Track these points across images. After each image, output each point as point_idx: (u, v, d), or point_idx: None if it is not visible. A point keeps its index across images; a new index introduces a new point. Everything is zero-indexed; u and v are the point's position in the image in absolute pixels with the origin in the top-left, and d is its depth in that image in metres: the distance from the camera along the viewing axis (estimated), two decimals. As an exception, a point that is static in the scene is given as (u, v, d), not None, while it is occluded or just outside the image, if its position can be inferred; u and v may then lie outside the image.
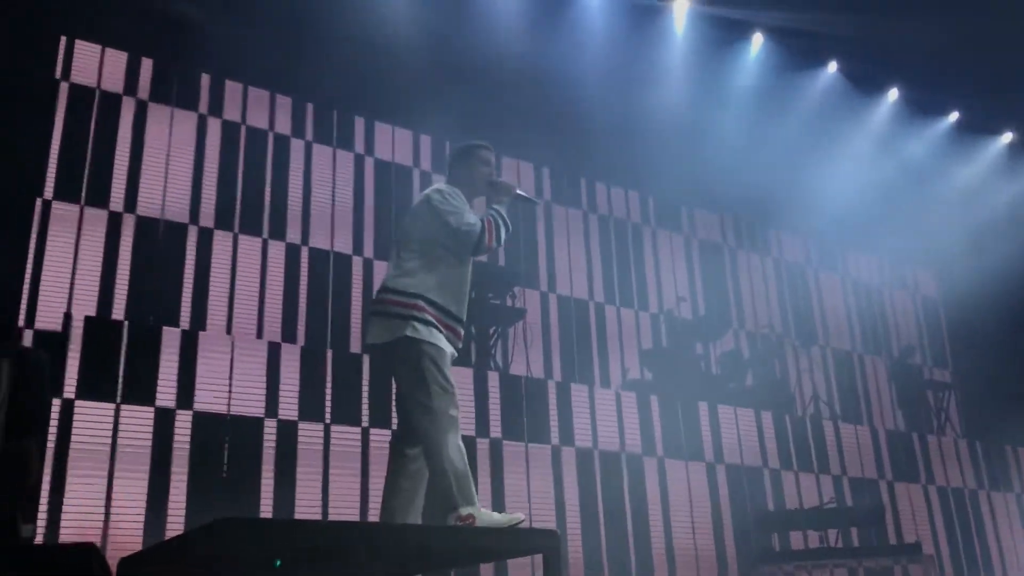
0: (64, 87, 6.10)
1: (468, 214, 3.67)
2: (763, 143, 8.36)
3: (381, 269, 6.59)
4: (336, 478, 5.67)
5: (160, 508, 5.09)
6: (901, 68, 8.74)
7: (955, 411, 9.51)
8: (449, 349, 3.56)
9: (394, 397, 3.74)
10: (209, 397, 5.42)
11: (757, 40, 8.41)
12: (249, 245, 6.31)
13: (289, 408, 5.65)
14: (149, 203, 5.97)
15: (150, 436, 5.17)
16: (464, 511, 3.30)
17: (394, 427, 5.88)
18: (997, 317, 9.25)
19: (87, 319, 5.28)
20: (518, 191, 3.88)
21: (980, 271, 9.31)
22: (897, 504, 8.43)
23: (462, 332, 3.68)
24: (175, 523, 5.06)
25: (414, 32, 6.80)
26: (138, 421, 5.19)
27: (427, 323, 3.51)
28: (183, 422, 5.31)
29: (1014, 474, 9.23)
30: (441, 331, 3.55)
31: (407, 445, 3.57)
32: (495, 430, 6.45)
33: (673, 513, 7.08)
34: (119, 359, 5.23)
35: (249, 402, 5.54)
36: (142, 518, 5.02)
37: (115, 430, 5.11)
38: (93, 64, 6.26)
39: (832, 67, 8.80)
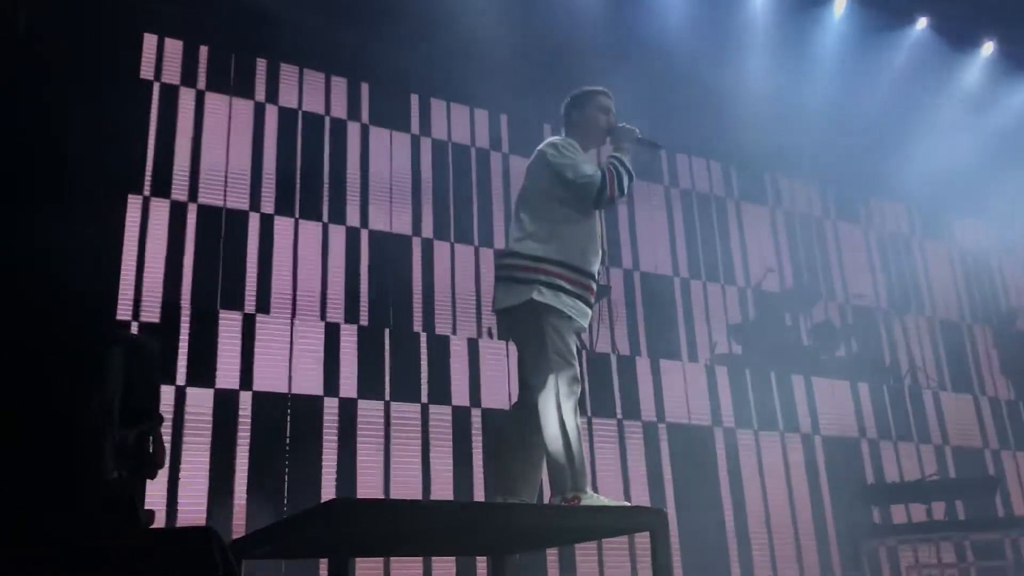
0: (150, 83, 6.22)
1: (585, 165, 3.47)
2: (853, 109, 8.09)
3: (440, 249, 6.56)
4: (396, 453, 5.82)
5: (224, 487, 5.30)
6: (995, 20, 8.35)
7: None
8: (576, 316, 3.39)
9: (517, 363, 3.62)
10: (271, 376, 5.64)
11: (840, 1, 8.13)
12: (310, 230, 6.33)
13: (349, 386, 5.86)
14: (211, 191, 6.03)
15: (211, 416, 5.44)
16: (571, 494, 3.19)
17: (454, 403, 6.05)
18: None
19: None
20: (640, 135, 3.63)
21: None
22: (1005, 475, 8.16)
23: (595, 287, 3.49)
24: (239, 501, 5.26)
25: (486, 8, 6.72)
26: (200, 401, 5.46)
27: (554, 287, 3.33)
28: (245, 402, 5.55)
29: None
30: (570, 292, 3.37)
31: (525, 415, 3.41)
32: (584, 409, 6.44)
33: (769, 487, 6.98)
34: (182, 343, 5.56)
35: (309, 381, 5.74)
36: (205, 497, 5.22)
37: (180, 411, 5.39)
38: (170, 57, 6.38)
39: (922, 23, 8.45)
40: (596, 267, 3.51)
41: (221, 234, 5.92)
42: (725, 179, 8.19)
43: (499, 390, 6.25)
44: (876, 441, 7.62)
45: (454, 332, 6.37)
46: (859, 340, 8.23)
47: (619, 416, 6.65)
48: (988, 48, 8.79)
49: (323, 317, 5.98)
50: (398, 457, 5.86)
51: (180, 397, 5.42)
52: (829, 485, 7.20)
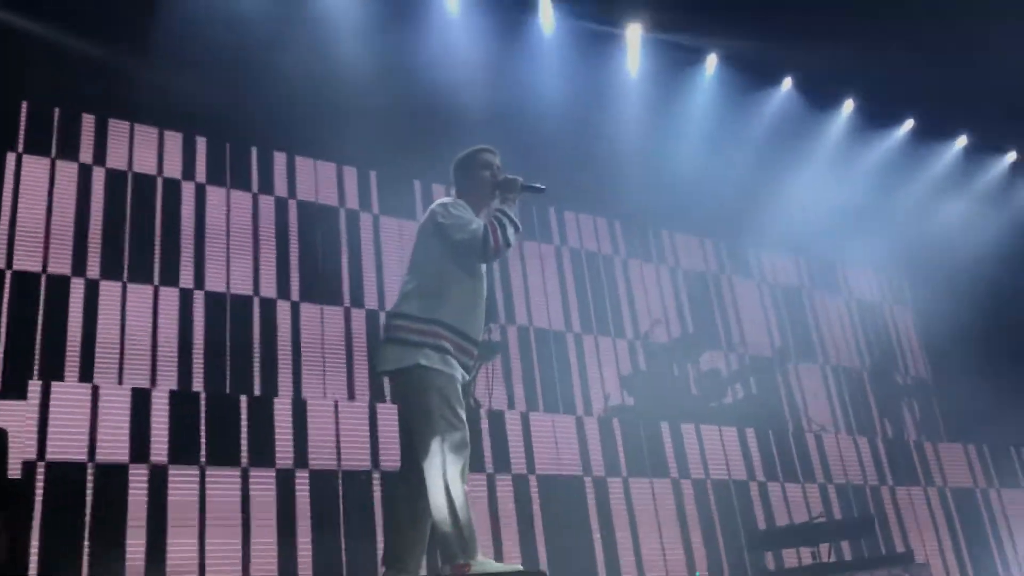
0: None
1: (471, 222, 3.48)
2: (725, 163, 8.44)
3: (308, 311, 6.50)
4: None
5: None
6: (854, 80, 8.88)
7: (937, 414, 9.58)
8: (461, 375, 3.41)
9: (399, 428, 3.60)
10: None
11: (711, 62, 8.52)
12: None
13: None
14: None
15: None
16: (461, 560, 3.16)
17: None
18: (970, 321, 9.32)
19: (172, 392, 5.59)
20: (523, 183, 3.64)
21: (949, 276, 9.41)
22: (901, 511, 8.47)
23: (475, 352, 3.53)
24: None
25: (362, 70, 6.79)
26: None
27: (441, 350, 3.35)
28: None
29: (994, 473, 9.32)
30: (455, 355, 3.39)
31: (413, 478, 3.37)
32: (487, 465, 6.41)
33: (666, 536, 7.03)
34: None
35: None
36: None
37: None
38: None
39: (787, 84, 8.93)
40: (480, 331, 3.55)
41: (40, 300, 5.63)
42: (611, 233, 8.36)
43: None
44: (764, 484, 7.79)
45: (324, 395, 6.26)
46: (758, 387, 8.48)
47: (515, 471, 6.63)
48: (849, 106, 9.34)
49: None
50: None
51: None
52: (724, 531, 7.31)
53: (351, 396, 6.33)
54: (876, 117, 9.34)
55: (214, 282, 6.22)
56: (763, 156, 8.71)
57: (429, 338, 3.35)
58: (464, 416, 3.34)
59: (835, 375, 9.20)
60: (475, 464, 6.12)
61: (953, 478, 9.04)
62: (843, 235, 9.14)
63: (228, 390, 5.93)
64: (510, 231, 3.49)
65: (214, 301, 6.15)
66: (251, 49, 6.35)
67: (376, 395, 6.38)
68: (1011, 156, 10.36)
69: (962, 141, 10.03)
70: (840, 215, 8.98)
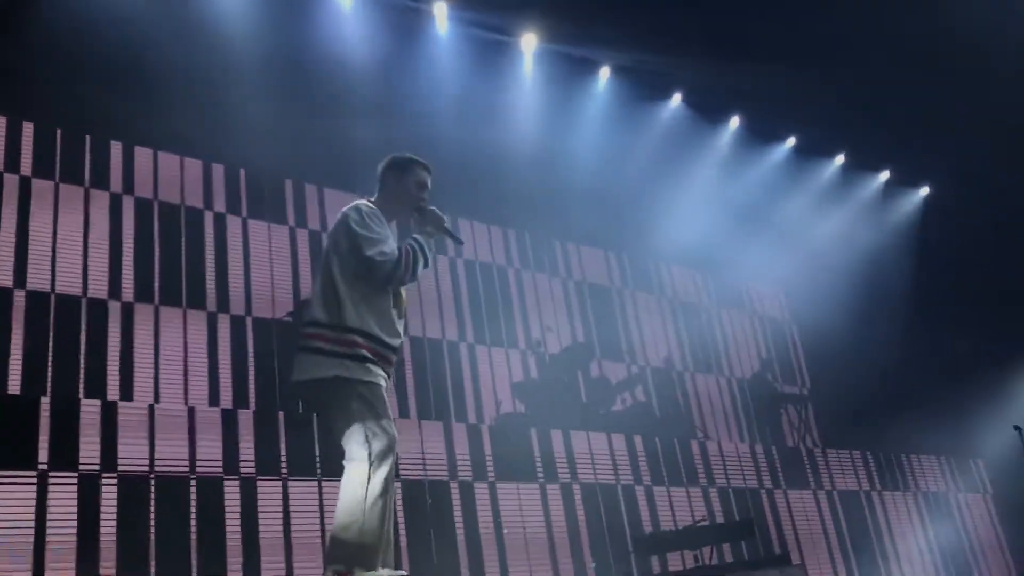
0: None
1: (385, 241, 3.35)
2: (618, 174, 8.60)
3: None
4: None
5: None
6: (740, 98, 9.19)
7: (813, 422, 9.95)
8: (383, 379, 3.31)
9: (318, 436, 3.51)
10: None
11: (604, 74, 8.68)
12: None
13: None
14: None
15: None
16: (342, 567, 3.05)
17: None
18: (846, 332, 9.73)
19: None
20: (447, 225, 3.58)
21: (826, 288, 9.81)
22: (779, 514, 8.76)
23: (395, 358, 3.43)
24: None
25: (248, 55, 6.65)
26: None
27: (359, 358, 3.25)
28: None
29: (866, 477, 9.78)
30: (375, 364, 3.29)
31: None
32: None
33: (557, 541, 7.10)
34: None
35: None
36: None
37: None
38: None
39: (676, 99, 9.16)
40: (399, 335, 3.45)
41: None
42: (506, 243, 8.41)
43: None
44: (650, 488, 7.95)
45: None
46: (649, 395, 8.66)
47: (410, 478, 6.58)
48: (735, 122, 9.65)
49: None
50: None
51: None
52: (611, 535, 7.42)
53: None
54: (760, 134, 9.68)
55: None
56: (655, 168, 8.91)
57: (345, 347, 3.25)
58: (390, 422, 3.26)
59: (729, 385, 9.47)
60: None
61: (841, 483, 9.45)
62: (733, 248, 9.43)
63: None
64: (421, 265, 3.40)
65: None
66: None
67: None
68: (885, 174, 10.90)
69: (840, 159, 10.49)
70: (729, 228, 9.26)
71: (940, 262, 10.46)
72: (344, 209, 3.48)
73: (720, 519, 8.22)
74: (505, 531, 6.80)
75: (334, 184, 7.23)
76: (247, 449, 5.98)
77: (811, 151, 10.12)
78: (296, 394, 3.55)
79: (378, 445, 3.17)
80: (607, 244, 9.14)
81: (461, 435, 7.08)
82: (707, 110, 9.27)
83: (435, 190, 3.72)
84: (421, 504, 6.52)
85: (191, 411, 5.91)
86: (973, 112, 8.78)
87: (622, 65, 8.58)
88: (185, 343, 6.18)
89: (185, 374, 6.08)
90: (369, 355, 3.27)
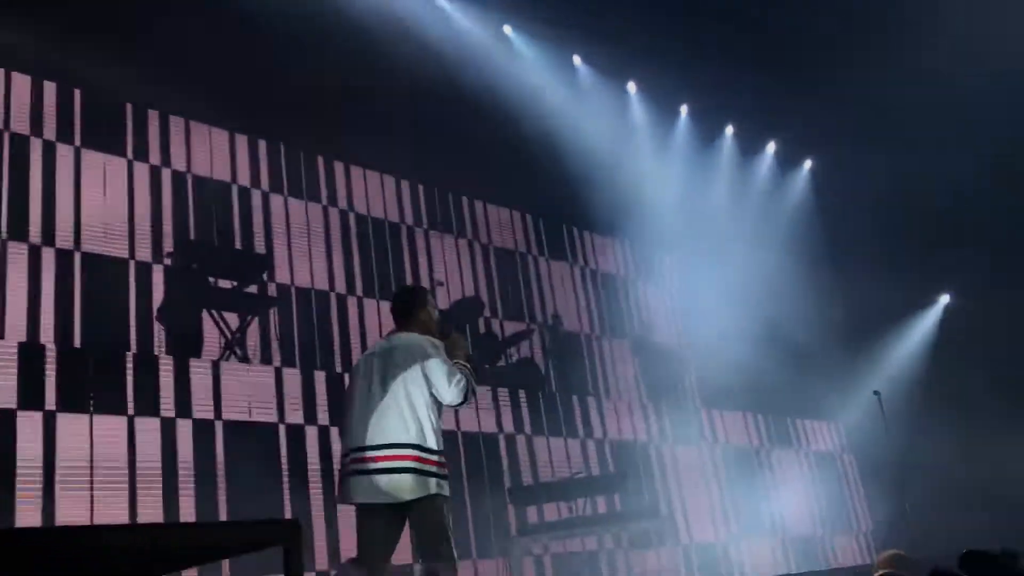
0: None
1: (456, 374, 3.88)
2: (523, 133, 8.65)
3: None
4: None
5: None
6: (637, 63, 9.38)
7: (693, 380, 10.31)
8: None
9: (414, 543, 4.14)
10: None
11: (507, 31, 8.72)
12: None
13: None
14: None
15: None
16: None
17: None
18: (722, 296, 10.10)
19: None
20: (467, 350, 4.14)
21: (707, 253, 10.15)
22: (665, 468, 9.16)
23: None
24: None
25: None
26: None
27: (443, 476, 3.86)
28: None
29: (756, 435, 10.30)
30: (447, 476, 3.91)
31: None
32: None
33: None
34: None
35: None
36: None
37: None
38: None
39: (576, 59, 9.29)
40: None
41: None
42: (414, 205, 8.37)
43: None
44: (530, 437, 8.17)
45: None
46: (554, 356, 8.86)
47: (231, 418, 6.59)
48: (632, 87, 9.83)
49: None
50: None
51: None
52: (491, 486, 7.60)
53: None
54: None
55: None
56: (560, 128, 9.01)
57: (437, 467, 3.82)
58: None
59: (631, 345, 9.77)
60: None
61: (734, 439, 9.95)
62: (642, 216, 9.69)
63: None
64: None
65: None
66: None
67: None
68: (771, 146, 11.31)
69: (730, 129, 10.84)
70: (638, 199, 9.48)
71: (822, 230, 10.96)
72: (413, 340, 3.97)
73: (600, 471, 8.51)
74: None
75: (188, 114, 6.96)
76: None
77: (703, 118, 10.42)
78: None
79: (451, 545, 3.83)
80: (523, 206, 9.23)
81: (321, 384, 7.08)
82: (606, 71, 9.44)
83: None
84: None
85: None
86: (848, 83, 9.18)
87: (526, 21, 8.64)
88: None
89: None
90: (446, 471, 3.89)
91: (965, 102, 9.20)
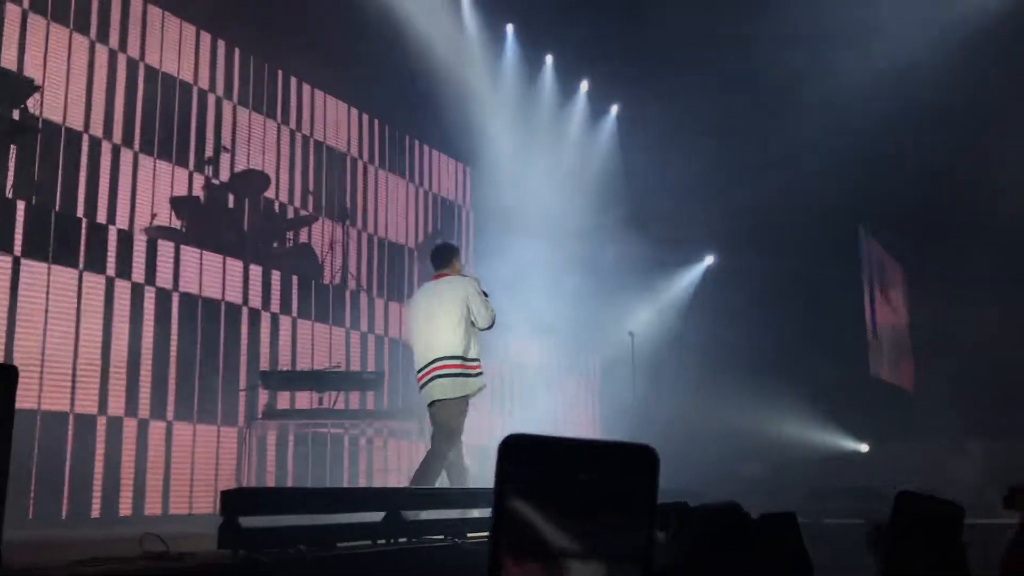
0: None
1: (487, 305, 5.46)
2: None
3: None
4: None
5: None
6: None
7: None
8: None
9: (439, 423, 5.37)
10: None
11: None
12: None
13: None
14: None
15: None
16: None
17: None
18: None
19: None
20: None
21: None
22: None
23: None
24: None
25: None
26: None
27: (479, 375, 5.47)
28: None
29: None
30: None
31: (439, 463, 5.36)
32: None
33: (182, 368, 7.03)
34: None
35: None
36: None
37: None
38: None
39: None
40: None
41: None
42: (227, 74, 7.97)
43: None
44: (295, 320, 8.09)
45: None
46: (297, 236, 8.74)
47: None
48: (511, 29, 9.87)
49: None
50: None
51: None
52: (249, 370, 7.48)
53: None
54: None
55: None
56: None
57: (477, 371, 5.46)
58: None
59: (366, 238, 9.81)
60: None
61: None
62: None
63: None
64: None
65: None
66: None
67: None
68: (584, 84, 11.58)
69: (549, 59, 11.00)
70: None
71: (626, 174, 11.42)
72: (461, 278, 5.55)
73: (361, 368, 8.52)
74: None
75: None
76: None
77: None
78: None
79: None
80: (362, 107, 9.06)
81: (112, 237, 6.74)
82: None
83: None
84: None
85: None
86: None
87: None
88: None
89: None
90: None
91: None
